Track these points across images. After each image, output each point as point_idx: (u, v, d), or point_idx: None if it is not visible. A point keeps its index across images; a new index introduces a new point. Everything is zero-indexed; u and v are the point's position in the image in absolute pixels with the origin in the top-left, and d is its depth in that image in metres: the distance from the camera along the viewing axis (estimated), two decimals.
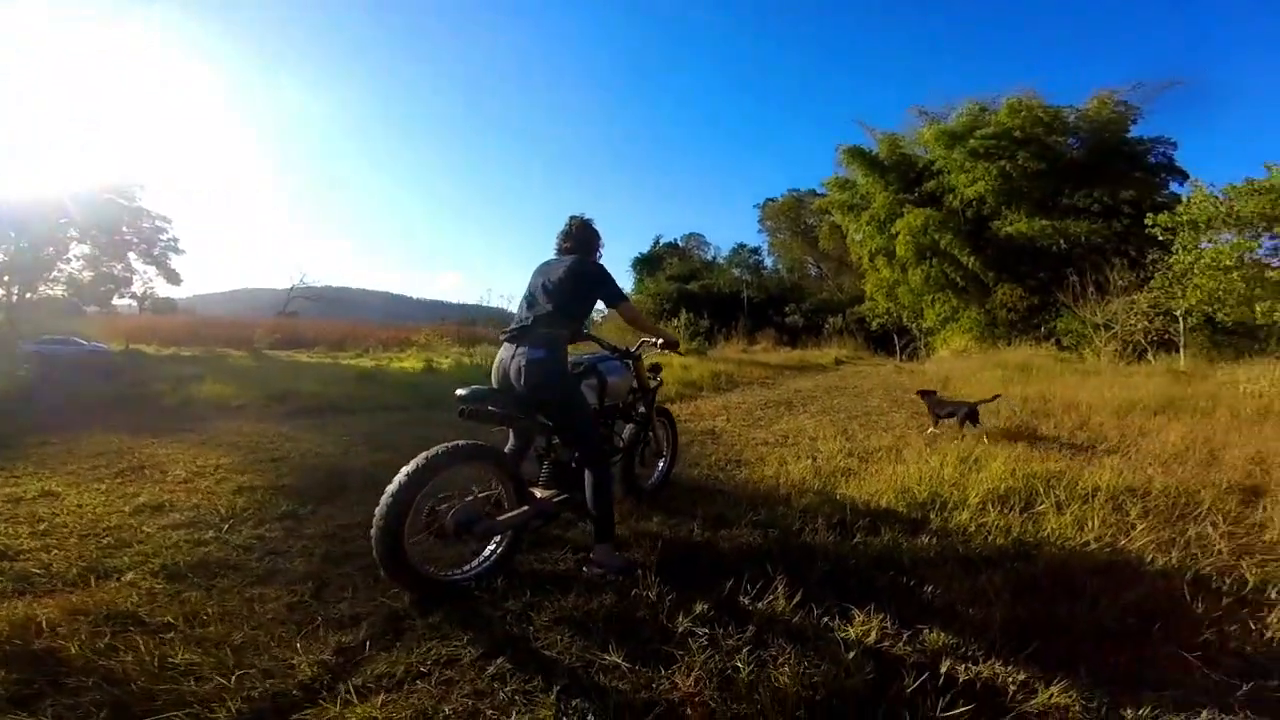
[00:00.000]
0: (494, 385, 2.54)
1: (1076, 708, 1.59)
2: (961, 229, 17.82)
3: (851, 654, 1.70)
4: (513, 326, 2.57)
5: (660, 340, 3.16)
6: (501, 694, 1.57)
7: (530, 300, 2.60)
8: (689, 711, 1.48)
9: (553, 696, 1.54)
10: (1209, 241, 10.80)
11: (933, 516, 3.26)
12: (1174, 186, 16.38)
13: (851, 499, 3.48)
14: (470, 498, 2.24)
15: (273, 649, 1.78)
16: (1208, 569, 2.64)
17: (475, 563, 2.27)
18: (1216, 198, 10.20)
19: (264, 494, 3.42)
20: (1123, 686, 1.70)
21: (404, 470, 2.06)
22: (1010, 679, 1.71)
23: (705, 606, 2.00)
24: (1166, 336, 13.59)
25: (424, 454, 2.11)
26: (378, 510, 2.00)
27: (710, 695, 1.53)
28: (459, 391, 2.39)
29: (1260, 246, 10.07)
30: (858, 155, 20.00)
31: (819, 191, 33.19)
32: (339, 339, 26.81)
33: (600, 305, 2.93)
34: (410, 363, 16.35)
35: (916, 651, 1.84)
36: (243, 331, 24.52)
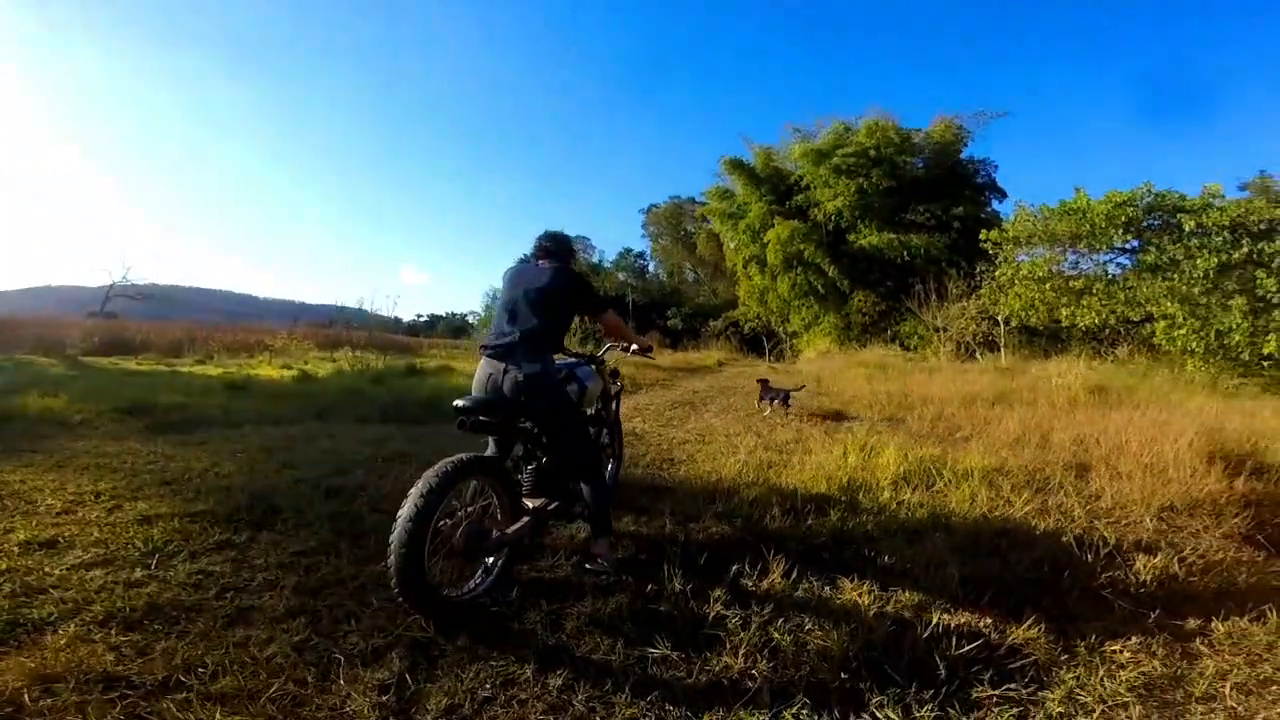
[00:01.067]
0: (482, 397, 2.47)
1: (1042, 640, 1.94)
2: (824, 241, 19.58)
3: (871, 612, 1.94)
4: (496, 341, 2.50)
5: (634, 346, 3.23)
6: (576, 704, 1.59)
7: (512, 313, 2.53)
8: (749, 684, 1.62)
9: (626, 695, 1.60)
10: (1026, 255, 12.84)
11: (861, 497, 3.66)
12: (994, 204, 19.30)
13: (790, 487, 3.79)
14: (469, 512, 2.17)
15: (314, 697, 1.64)
16: (1078, 530, 3.22)
17: (480, 578, 2.22)
18: (1035, 217, 12.18)
19: (180, 523, 2.97)
20: (1064, 621, 2.09)
21: (415, 492, 1.97)
22: (983, 622, 2.04)
23: (721, 591, 2.14)
24: (990, 338, 15.85)
25: (433, 472, 2.02)
26: (395, 538, 1.90)
27: (763, 666, 1.68)
28: (458, 403, 2.34)
29: (1065, 260, 12.14)
30: (737, 167, 21.28)
31: (698, 199, 34.91)
32: (173, 343, 23.45)
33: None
34: (270, 370, 14.82)
35: (907, 608, 2.12)
36: (48, 334, 20.65)
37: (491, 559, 2.26)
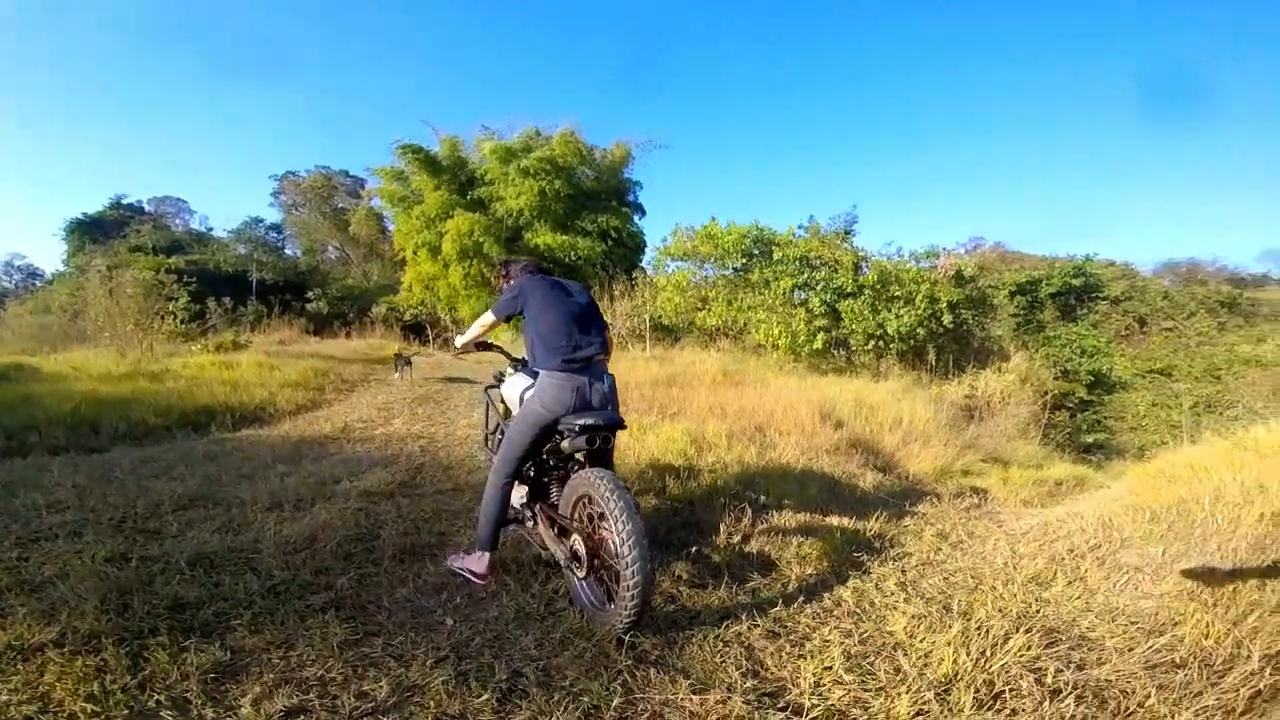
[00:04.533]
0: (607, 413, 2.51)
1: (884, 525, 3.41)
2: (502, 235, 20.52)
3: (836, 521, 3.08)
4: (575, 355, 2.52)
5: None
6: (755, 631, 2.25)
7: (582, 325, 2.61)
8: (813, 578, 2.58)
9: (781, 609, 2.39)
10: (673, 266, 16.30)
11: (699, 461, 4.82)
12: (637, 218, 23.21)
13: (654, 460, 4.69)
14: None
15: None
16: (816, 467, 5.05)
17: None
18: (688, 238, 15.57)
19: (62, 657, 1.98)
20: (880, 506, 3.62)
21: (631, 519, 2.05)
22: (850, 520, 3.42)
23: (739, 538, 3.00)
24: (639, 331, 19.31)
25: (622, 496, 2.12)
26: (638, 565, 1.99)
27: (814, 568, 2.67)
28: (587, 421, 2.41)
29: (700, 273, 15.91)
30: (414, 153, 20.35)
31: (353, 174, 31.76)
32: None
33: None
34: None
35: (827, 517, 3.36)
36: None
37: None
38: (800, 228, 15.95)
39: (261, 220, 33.61)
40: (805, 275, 14.02)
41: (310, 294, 28.11)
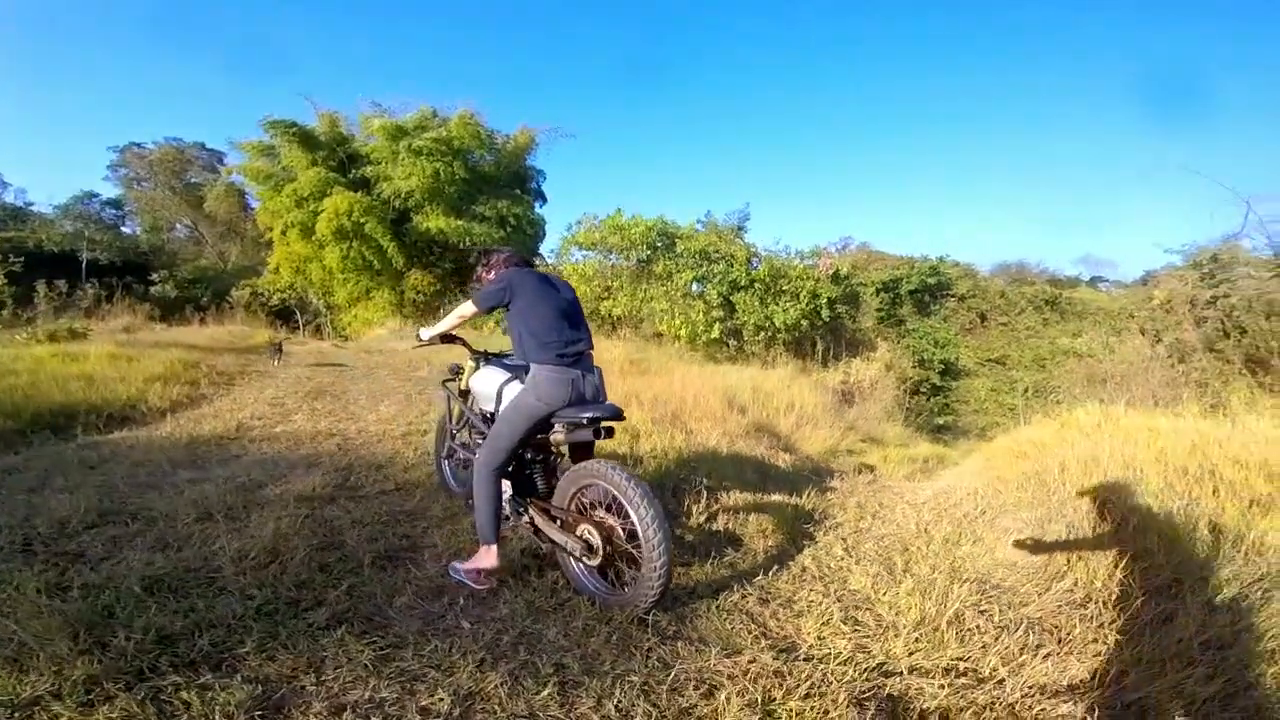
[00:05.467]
0: (570, 403, 2.55)
1: (815, 499, 3.86)
2: (387, 217, 19.34)
3: (777, 499, 3.46)
4: (567, 349, 2.57)
5: None
6: (749, 600, 2.52)
7: (572, 321, 2.68)
8: (774, 546, 2.93)
9: (763, 576, 2.69)
10: (578, 255, 16.41)
11: (639, 449, 5.06)
12: (538, 206, 22.81)
13: (599, 449, 4.84)
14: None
15: None
16: (741, 450, 5.49)
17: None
18: (596, 228, 15.67)
19: (72, 693, 1.78)
20: (796, 488, 4.09)
21: (653, 504, 2.19)
22: (787, 494, 3.85)
23: (703, 519, 3.29)
24: None
25: (638, 483, 2.24)
26: (664, 547, 2.15)
27: (773, 541, 3.02)
28: (593, 414, 2.48)
29: (606, 263, 16.10)
30: (286, 128, 18.44)
31: (211, 147, 28.43)
32: None
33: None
34: None
35: (771, 494, 3.74)
36: None
37: None
38: (699, 222, 16.64)
39: (96, 195, 29.04)
40: (704, 268, 14.70)
41: (155, 276, 24.76)
